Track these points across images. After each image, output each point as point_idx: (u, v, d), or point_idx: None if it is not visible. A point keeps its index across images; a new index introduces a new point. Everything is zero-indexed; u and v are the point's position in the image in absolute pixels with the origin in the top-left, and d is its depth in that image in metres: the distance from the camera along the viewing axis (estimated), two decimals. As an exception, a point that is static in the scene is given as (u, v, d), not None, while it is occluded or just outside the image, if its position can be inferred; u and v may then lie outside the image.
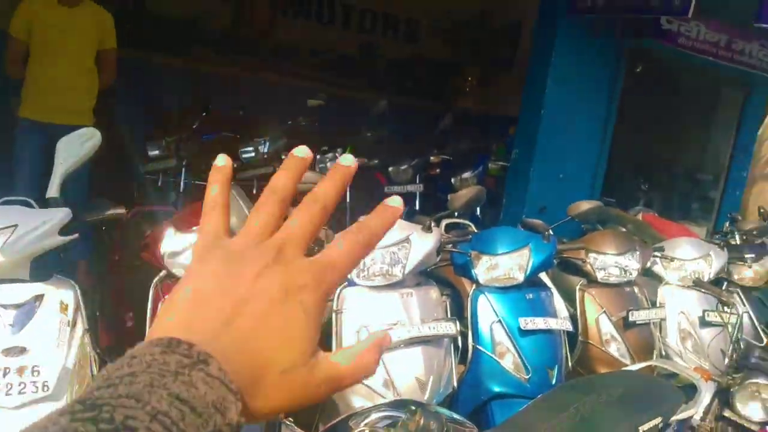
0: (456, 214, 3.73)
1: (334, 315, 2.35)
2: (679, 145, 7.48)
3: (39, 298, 1.86)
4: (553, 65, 5.15)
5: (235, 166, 4.45)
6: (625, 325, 3.02)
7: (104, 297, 2.36)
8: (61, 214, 1.88)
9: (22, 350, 1.75)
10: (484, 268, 2.74)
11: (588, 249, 3.12)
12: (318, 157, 4.84)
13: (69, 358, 1.82)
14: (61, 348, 1.81)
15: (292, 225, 0.41)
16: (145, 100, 4.75)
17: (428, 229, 2.46)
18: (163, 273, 2.06)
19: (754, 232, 4.00)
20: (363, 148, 4.98)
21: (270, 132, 4.53)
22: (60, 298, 1.90)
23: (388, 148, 5.14)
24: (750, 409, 2.44)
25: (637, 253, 3.20)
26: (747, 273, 3.77)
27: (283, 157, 4.55)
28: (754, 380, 2.44)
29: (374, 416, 1.44)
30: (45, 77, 3.54)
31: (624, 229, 3.55)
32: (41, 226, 1.83)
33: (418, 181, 5.02)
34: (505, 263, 2.73)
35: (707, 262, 3.43)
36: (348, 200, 4.84)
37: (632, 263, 3.17)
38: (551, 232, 2.93)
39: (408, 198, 5.00)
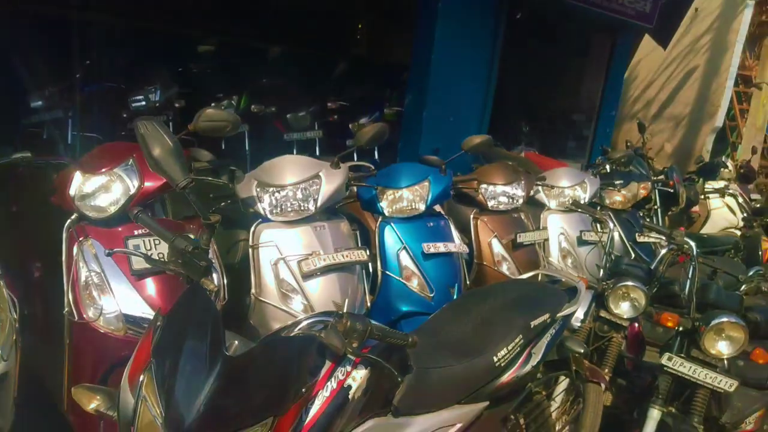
0: (355, 155, 3.90)
1: (250, 250, 2.44)
2: (555, 88, 8.02)
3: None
4: (440, 14, 5.31)
5: (124, 116, 4.31)
6: (513, 247, 3.35)
7: (8, 250, 2.29)
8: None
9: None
10: (389, 201, 2.93)
11: (479, 180, 3.40)
12: (213, 105, 4.77)
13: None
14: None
15: None
16: (20, 53, 4.42)
17: (336, 166, 2.59)
18: (74, 216, 2.05)
19: (623, 160, 4.48)
20: (260, 96, 4.96)
21: (161, 80, 4.40)
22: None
23: (285, 96, 5.14)
24: (621, 308, 2.83)
25: (523, 182, 3.52)
26: (617, 197, 4.24)
27: (177, 105, 4.47)
28: (624, 283, 2.83)
29: (305, 323, 1.58)
30: None
31: (510, 164, 3.86)
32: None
33: (316, 128, 5.10)
34: (408, 195, 2.93)
35: (583, 188, 3.83)
36: (247, 149, 4.85)
37: (518, 192, 3.48)
38: (445, 166, 3.15)
39: (308, 144, 5.07)
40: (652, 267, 3.15)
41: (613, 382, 3.01)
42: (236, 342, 1.43)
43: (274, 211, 2.46)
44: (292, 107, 5.08)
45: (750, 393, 2.83)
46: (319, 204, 2.48)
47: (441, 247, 2.87)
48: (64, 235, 2.03)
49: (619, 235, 3.86)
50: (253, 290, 2.40)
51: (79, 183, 2.05)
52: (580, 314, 2.88)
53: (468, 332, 2.05)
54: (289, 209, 2.46)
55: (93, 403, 1.38)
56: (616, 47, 7.70)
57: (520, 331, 2.05)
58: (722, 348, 2.47)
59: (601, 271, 3.26)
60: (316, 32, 7.10)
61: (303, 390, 1.44)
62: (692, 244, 2.88)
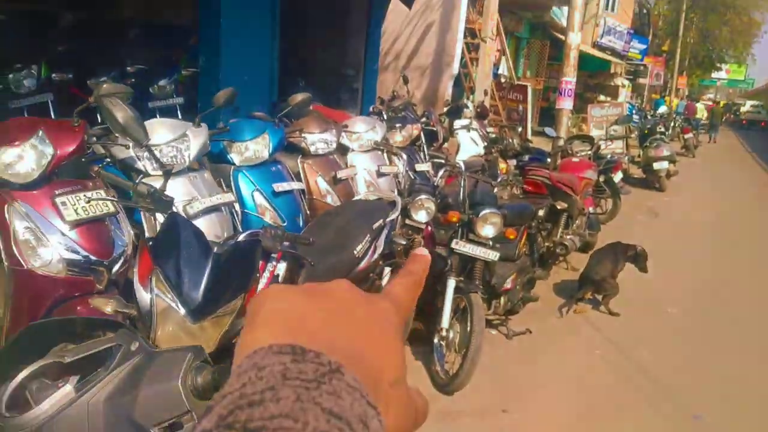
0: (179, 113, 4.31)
1: (139, 201, 2.89)
2: (326, 46, 8.91)
3: None
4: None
5: None
6: (334, 182, 4.18)
7: None
8: None
9: None
10: (237, 152, 3.53)
11: (302, 131, 4.13)
12: (11, 76, 4.70)
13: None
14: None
15: None
16: None
17: (198, 125, 3.12)
18: (-6, 184, 2.33)
19: (400, 107, 5.55)
20: (58, 63, 4.96)
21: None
22: None
23: (84, 62, 5.19)
24: (419, 215, 3.86)
25: (333, 130, 4.34)
26: (398, 137, 5.30)
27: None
28: (420, 197, 3.85)
29: (242, 236, 2.22)
30: None
31: (319, 115, 4.63)
32: None
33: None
34: (252, 146, 3.57)
35: (375, 132, 4.78)
36: (53, 117, 4.88)
37: (331, 138, 4.30)
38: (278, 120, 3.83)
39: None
40: (435, 185, 4.25)
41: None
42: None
43: (154, 167, 2.93)
44: (92, 73, 5.16)
45: (506, 264, 4.11)
46: (192, 157, 3.01)
47: (286, 186, 3.58)
48: (-9, 202, 2.31)
49: (405, 166, 4.92)
50: (146, 233, 2.88)
51: (-5, 154, 2.33)
52: (399, 217, 3.81)
53: (333, 237, 2.85)
54: (170, 163, 2.95)
55: (109, 307, 1.88)
56: (373, 8, 8.80)
57: (368, 232, 2.91)
58: (488, 231, 3.64)
59: (396, 192, 4.26)
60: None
61: (257, 275, 2.11)
62: (461, 164, 4.01)
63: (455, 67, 11.90)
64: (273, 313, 0.33)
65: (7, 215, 2.32)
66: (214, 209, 3.07)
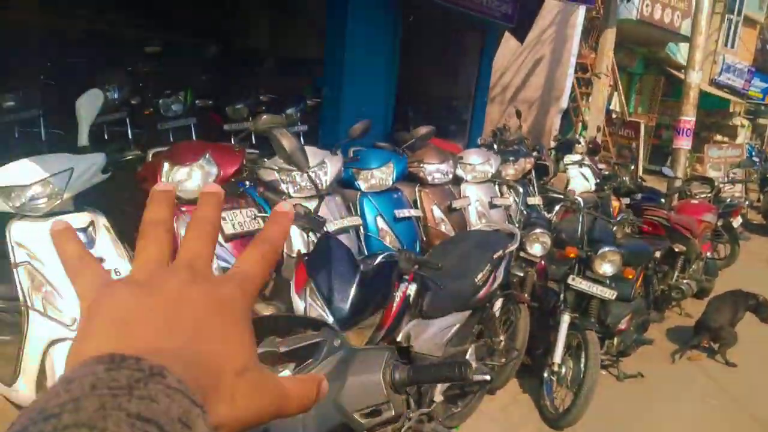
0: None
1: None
2: (438, 78, 9.15)
3: (91, 223, 2.40)
4: (349, 20, 6.14)
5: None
6: (448, 211, 4.33)
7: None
8: (100, 158, 2.41)
9: (102, 259, 2.32)
10: (364, 180, 3.77)
11: (421, 161, 4.33)
12: (161, 101, 5.22)
13: (127, 263, 2.42)
14: (122, 256, 2.41)
15: (193, 246, 0.38)
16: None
17: (335, 153, 3.38)
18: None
19: (514, 140, 5.64)
20: (200, 91, 5.47)
21: (118, 80, 4.81)
22: (103, 222, 2.45)
23: (222, 90, 5.69)
24: (534, 249, 3.91)
25: (450, 161, 4.50)
26: (510, 170, 5.38)
27: (133, 102, 4.91)
28: (534, 231, 3.91)
29: (380, 258, 2.40)
30: None
31: (436, 147, 4.82)
32: (91, 168, 2.36)
33: (251, 119, 5.70)
34: (378, 174, 3.79)
35: (489, 164, 4.90)
36: (194, 138, 5.37)
37: (448, 169, 4.46)
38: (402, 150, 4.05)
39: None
40: (549, 219, 4.30)
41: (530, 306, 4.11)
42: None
43: (295, 190, 3.21)
44: (230, 100, 5.64)
45: (621, 304, 4.05)
46: (329, 182, 3.27)
47: (406, 212, 3.77)
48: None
49: (516, 199, 4.99)
50: (285, 250, 3.14)
51: (167, 172, 2.68)
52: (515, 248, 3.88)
53: (455, 264, 2.98)
54: (308, 187, 3.21)
55: (268, 311, 2.11)
56: (486, 42, 8.96)
57: (488, 261, 3.02)
58: (606, 269, 3.63)
59: (506, 224, 4.34)
60: (244, 33, 7.54)
61: (393, 294, 2.28)
62: (580, 200, 4.03)
63: (564, 102, 11.78)
64: (101, 322, 0.32)
65: (176, 225, 2.64)
66: (343, 230, 3.30)
